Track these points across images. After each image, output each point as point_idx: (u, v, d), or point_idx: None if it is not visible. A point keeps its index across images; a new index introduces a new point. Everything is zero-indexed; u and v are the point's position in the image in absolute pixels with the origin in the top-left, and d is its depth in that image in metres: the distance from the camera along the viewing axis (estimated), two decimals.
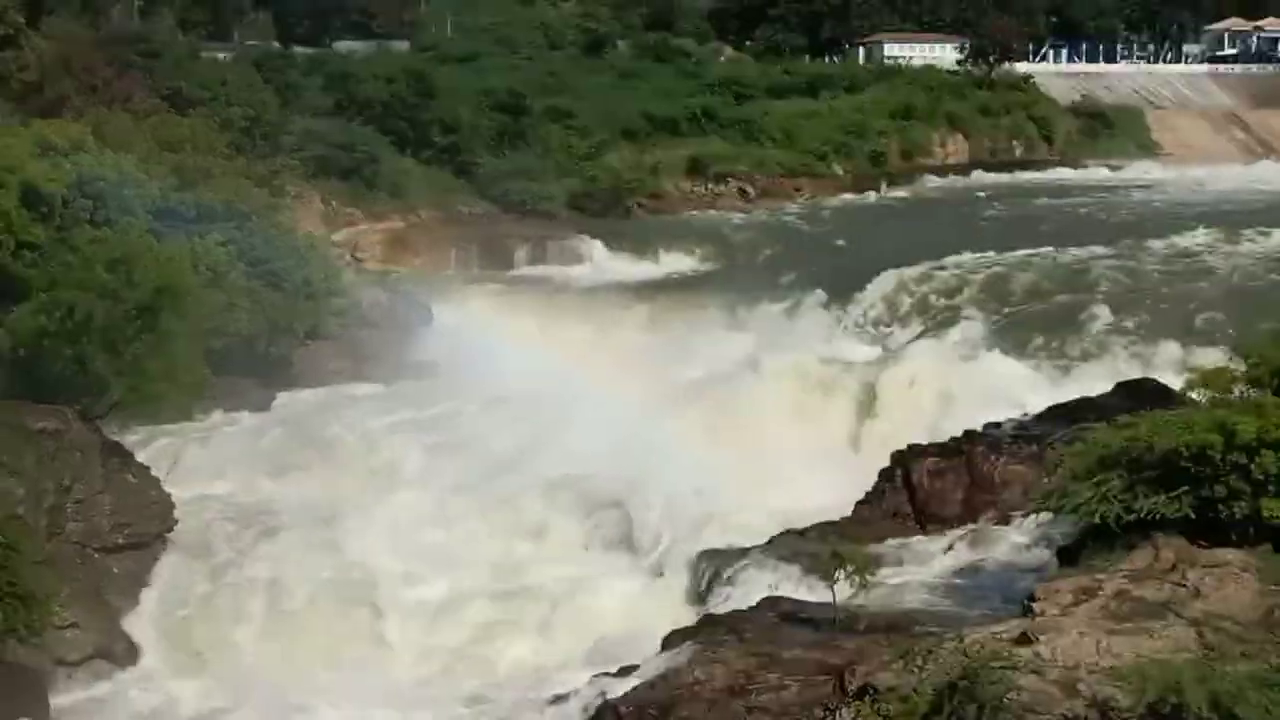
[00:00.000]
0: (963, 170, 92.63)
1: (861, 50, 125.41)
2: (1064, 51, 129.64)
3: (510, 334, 52.00)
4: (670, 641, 27.31)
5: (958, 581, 29.90)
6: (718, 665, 24.13)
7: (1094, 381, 41.19)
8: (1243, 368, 27.11)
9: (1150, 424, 25.01)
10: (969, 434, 36.69)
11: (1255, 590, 22.13)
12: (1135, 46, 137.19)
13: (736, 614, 28.43)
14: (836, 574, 25.67)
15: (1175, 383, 33.20)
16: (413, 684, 31.06)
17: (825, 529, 33.66)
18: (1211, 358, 35.84)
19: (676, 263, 65.65)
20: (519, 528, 37.38)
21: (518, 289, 60.49)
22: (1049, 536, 29.30)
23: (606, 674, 27.44)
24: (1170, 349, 45.31)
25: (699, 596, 32.90)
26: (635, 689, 24.55)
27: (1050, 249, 56.68)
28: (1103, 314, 48.92)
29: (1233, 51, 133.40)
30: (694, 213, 77.16)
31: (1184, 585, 22.49)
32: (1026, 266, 54.35)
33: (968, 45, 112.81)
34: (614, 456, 39.19)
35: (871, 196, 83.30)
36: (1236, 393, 26.30)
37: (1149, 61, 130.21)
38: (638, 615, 33.36)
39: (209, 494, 39.47)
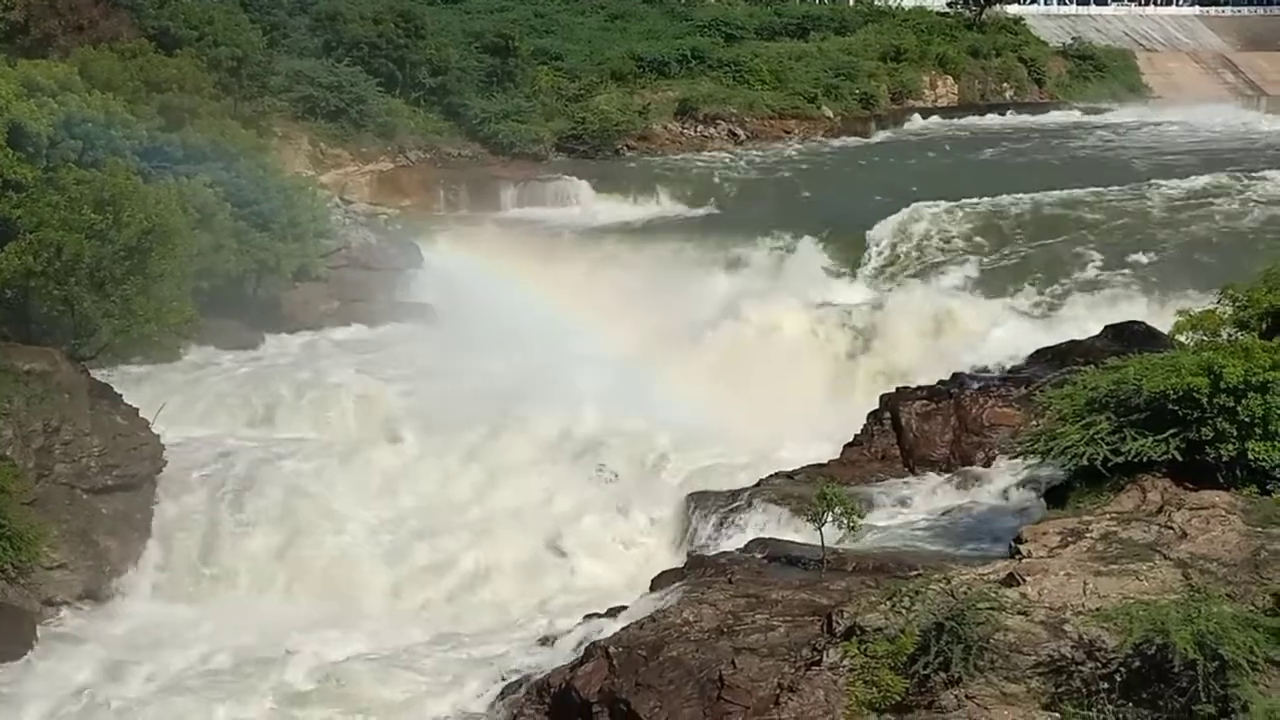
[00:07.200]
0: (953, 112, 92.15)
1: None
2: None
3: (500, 276, 51.88)
4: (659, 583, 27.41)
5: (945, 523, 30.04)
6: (706, 606, 24.21)
7: (1082, 324, 41.27)
8: (1230, 310, 27.17)
9: (1138, 366, 25.08)
10: (957, 377, 36.80)
11: (1241, 532, 22.25)
12: None
13: (725, 555, 28.55)
14: (825, 516, 25.71)
15: (1163, 325, 33.32)
16: (400, 626, 31.12)
17: (814, 471, 33.79)
18: (1200, 301, 35.89)
19: (666, 205, 65.35)
20: (508, 470, 37.41)
21: (507, 231, 60.25)
22: (1036, 479, 29.43)
23: (596, 615, 27.59)
24: (1160, 292, 45.39)
25: (688, 538, 33.02)
26: (624, 629, 24.64)
27: (1039, 193, 56.47)
28: (1091, 256, 48.95)
29: None
30: (684, 155, 76.63)
31: (1170, 527, 22.60)
32: (1015, 209, 54.22)
33: None
34: (604, 399, 39.23)
35: (861, 139, 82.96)
36: (1224, 335, 26.37)
37: (1139, 3, 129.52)
38: (627, 556, 33.52)
39: (197, 436, 39.45)
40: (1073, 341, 37.57)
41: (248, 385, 42.87)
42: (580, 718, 23.30)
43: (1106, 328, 37.62)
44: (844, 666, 20.77)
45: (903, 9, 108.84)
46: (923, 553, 27.48)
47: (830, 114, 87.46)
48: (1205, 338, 26.56)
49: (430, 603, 33.04)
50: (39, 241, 37.28)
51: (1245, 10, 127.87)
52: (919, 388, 36.42)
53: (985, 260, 50.40)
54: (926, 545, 28.45)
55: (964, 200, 55.22)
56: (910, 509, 31.41)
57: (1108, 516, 23.44)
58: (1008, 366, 38.29)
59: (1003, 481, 31.37)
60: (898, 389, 36.62)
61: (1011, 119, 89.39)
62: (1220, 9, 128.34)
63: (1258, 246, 47.73)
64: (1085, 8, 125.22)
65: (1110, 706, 18.83)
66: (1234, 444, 23.64)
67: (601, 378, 40.68)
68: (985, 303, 46.28)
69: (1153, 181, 58.20)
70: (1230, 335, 26.33)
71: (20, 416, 33.75)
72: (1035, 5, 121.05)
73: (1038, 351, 38.03)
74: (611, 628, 25.67)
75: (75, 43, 57.73)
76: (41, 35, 58.98)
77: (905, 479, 33.42)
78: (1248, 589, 20.58)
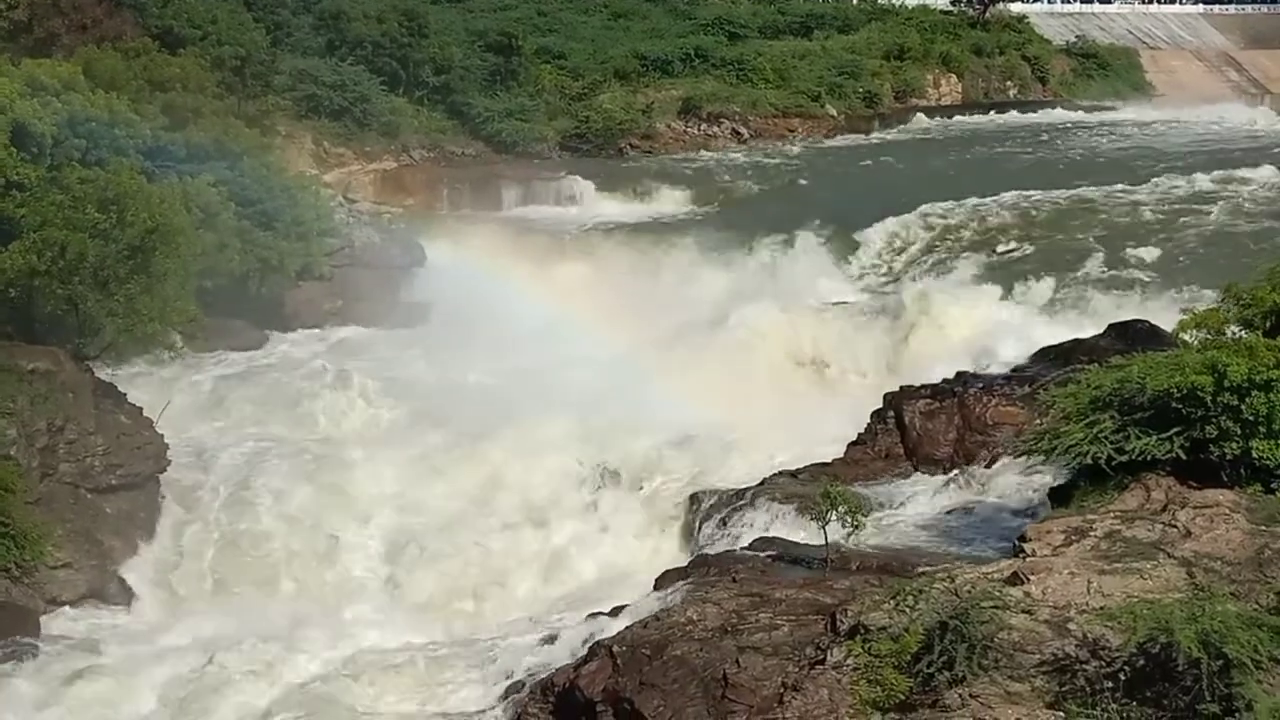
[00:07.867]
0: (956, 111, 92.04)
1: None
2: None
3: (502, 275, 51.85)
4: (663, 582, 27.39)
5: (949, 522, 30.00)
6: (710, 605, 24.21)
7: (1086, 323, 41.25)
8: (1234, 309, 27.13)
9: (1142, 365, 25.05)
10: (961, 375, 36.78)
11: (1245, 530, 22.21)
12: None
13: (729, 554, 28.55)
14: (828, 515, 25.74)
15: (1167, 324, 33.29)
16: (401, 628, 31.09)
17: (817, 470, 33.77)
18: (1204, 299, 35.88)
19: (669, 204, 65.31)
20: (509, 471, 37.37)
21: (510, 229, 60.23)
22: (1040, 477, 29.40)
23: (599, 614, 27.57)
24: (1163, 290, 45.36)
25: (692, 537, 33.01)
26: (628, 629, 24.63)
27: (1042, 191, 56.49)
28: (1096, 255, 48.90)
29: None
30: (687, 153, 76.65)
31: (1174, 526, 22.56)
32: (1018, 208, 54.24)
33: None
34: (606, 399, 39.21)
35: (865, 137, 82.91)
36: (1228, 334, 26.34)
37: (1143, 1, 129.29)
38: (630, 556, 33.52)
39: (201, 435, 39.49)
40: (1076, 340, 37.54)
41: (251, 384, 42.90)
42: (584, 717, 23.29)
43: (1110, 326, 37.60)
44: (848, 665, 20.76)
45: (906, 7, 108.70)
46: (926, 551, 27.45)
47: (834, 113, 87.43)
48: (1209, 336, 26.52)
49: (429, 604, 33.05)
50: (43, 241, 37.30)
51: (1249, 8, 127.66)
52: (922, 386, 36.41)
53: (989, 258, 50.37)
54: (930, 544, 28.42)
55: (965, 200, 55.22)
56: (914, 508, 31.39)
57: (1112, 515, 23.41)
58: (1012, 365, 38.26)
59: (1006, 480, 31.34)
60: (901, 387, 36.62)
61: (1015, 117, 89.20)
62: (1224, 7, 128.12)
63: (1262, 244, 47.71)
64: (1089, 6, 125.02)
65: (1114, 705, 18.81)
66: (1238, 442, 23.60)
67: (601, 377, 40.67)
68: (989, 300, 46.19)
69: (1155, 180, 58.19)
70: (1234, 334, 26.28)
71: (24, 416, 33.79)
72: (1039, 3, 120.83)
73: (1041, 350, 37.99)
74: (615, 626, 25.66)
75: (79, 42, 57.75)
76: (45, 34, 59.03)
77: (909, 478, 33.41)
78: (1252, 588, 20.55)
